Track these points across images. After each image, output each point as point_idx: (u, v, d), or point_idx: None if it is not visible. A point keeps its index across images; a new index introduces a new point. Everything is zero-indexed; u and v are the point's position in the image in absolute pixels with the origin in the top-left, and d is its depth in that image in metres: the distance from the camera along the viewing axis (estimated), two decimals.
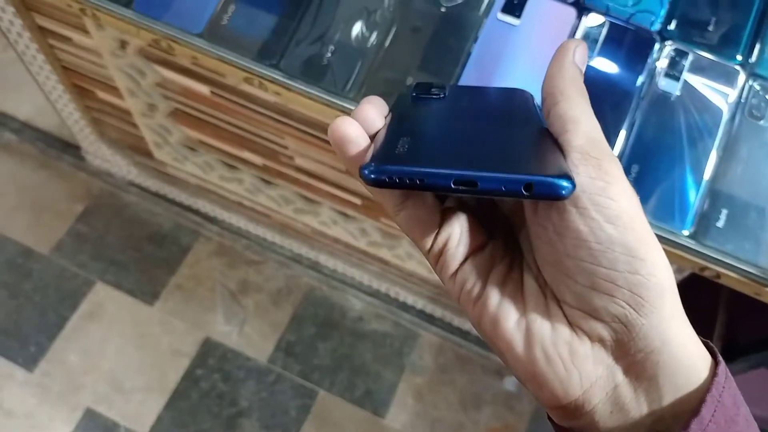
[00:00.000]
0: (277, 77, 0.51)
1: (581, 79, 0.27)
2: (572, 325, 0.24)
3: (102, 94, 0.92)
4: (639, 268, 0.23)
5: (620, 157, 0.49)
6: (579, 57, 0.27)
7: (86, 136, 1.05)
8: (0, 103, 1.27)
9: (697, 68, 0.51)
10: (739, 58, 0.51)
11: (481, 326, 0.26)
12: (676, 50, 0.51)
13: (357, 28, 0.51)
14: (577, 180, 0.23)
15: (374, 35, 0.51)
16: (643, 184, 0.48)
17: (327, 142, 0.77)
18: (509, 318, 0.25)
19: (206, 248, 1.23)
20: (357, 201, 0.87)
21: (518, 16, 0.51)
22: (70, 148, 1.21)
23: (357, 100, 0.51)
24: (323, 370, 1.16)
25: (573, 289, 0.24)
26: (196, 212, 1.18)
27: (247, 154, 0.90)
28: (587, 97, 0.26)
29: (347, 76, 0.51)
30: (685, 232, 0.48)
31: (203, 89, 0.79)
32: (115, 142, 1.06)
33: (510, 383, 1.16)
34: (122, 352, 1.13)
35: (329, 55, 0.51)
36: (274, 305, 1.20)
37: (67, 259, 1.19)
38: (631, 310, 0.23)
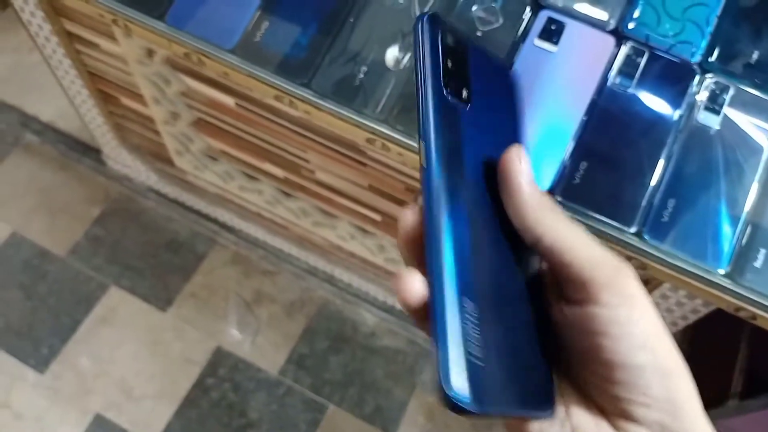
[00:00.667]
0: (307, 96, 0.51)
1: (542, 194, 0.26)
2: (615, 426, 0.26)
3: (126, 101, 0.92)
4: (669, 384, 0.25)
5: (656, 190, 0.48)
6: (527, 170, 0.26)
7: (108, 141, 1.05)
8: (24, 105, 1.28)
9: (739, 102, 0.50)
10: None
11: None
12: (716, 83, 0.50)
13: (391, 50, 0.50)
14: (601, 311, 0.24)
15: (407, 57, 0.51)
16: (679, 220, 0.47)
17: (349, 157, 0.77)
18: (553, 426, 0.26)
19: (222, 257, 1.22)
20: (377, 217, 0.87)
21: (556, 43, 0.50)
22: (90, 151, 1.21)
23: (388, 122, 0.50)
24: (334, 384, 1.15)
25: (612, 404, 0.25)
26: (214, 221, 1.17)
27: (268, 166, 0.89)
28: (559, 210, 0.26)
29: (379, 97, 0.50)
30: (721, 271, 0.47)
31: (228, 100, 0.79)
32: (137, 148, 1.06)
33: None
34: (134, 357, 1.13)
35: (362, 75, 0.50)
36: (288, 317, 1.19)
37: (82, 262, 1.19)
38: (666, 416, 0.25)
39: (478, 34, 0.51)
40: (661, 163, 0.48)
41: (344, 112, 0.50)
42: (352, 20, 0.51)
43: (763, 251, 0.46)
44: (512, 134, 0.29)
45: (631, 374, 0.24)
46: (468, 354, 0.22)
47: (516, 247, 0.26)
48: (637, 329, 0.24)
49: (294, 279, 1.20)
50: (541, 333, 0.26)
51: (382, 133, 0.50)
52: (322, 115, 0.51)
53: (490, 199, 0.26)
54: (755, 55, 0.51)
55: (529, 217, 0.26)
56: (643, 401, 0.25)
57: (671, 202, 0.47)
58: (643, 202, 0.47)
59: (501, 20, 0.51)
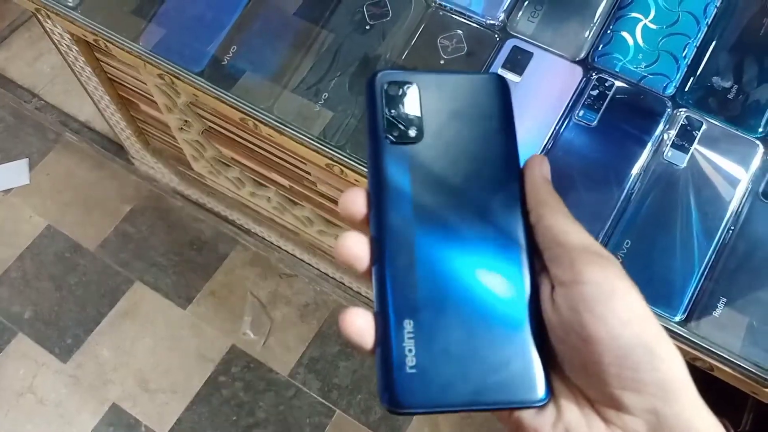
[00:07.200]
0: (270, 120, 0.51)
1: (554, 191, 0.30)
2: (606, 420, 0.26)
3: (144, 107, 0.95)
4: (659, 365, 0.25)
5: (613, 229, 0.46)
6: (545, 170, 0.31)
7: (132, 143, 1.09)
8: (64, 104, 1.34)
9: (711, 139, 0.47)
10: (760, 130, 0.47)
11: None
12: (688, 118, 0.48)
13: (353, 77, 0.51)
14: (588, 290, 0.26)
15: None
16: (634, 262, 0.45)
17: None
18: (546, 424, 0.27)
19: (242, 257, 1.25)
20: None
21: (519, 74, 0.49)
22: (122, 151, 1.26)
23: (346, 148, 0.50)
24: (342, 390, 1.16)
25: (603, 390, 0.26)
26: (232, 223, 1.20)
27: (275, 175, 0.91)
28: (562, 204, 0.30)
29: (338, 124, 0.50)
30: (677, 318, 0.44)
31: (233, 112, 0.80)
32: (159, 151, 1.09)
33: None
34: (152, 351, 1.17)
35: (321, 102, 0.50)
36: (301, 320, 1.21)
37: (110, 256, 1.25)
38: (658, 401, 0.25)
39: (441, 62, 0.50)
40: (621, 200, 0.47)
41: (304, 137, 0.51)
42: (317, 47, 0.51)
43: (723, 300, 0.44)
44: (496, 140, 0.31)
45: (619, 353, 0.25)
46: (400, 368, 0.27)
47: (501, 254, 0.29)
48: (621, 306, 0.25)
49: (309, 282, 1.22)
50: (530, 329, 0.28)
51: (340, 159, 0.50)
52: (284, 138, 0.52)
53: (475, 212, 0.29)
54: (734, 90, 0.48)
55: (541, 197, 0.29)
56: (632, 386, 0.25)
57: (627, 243, 0.45)
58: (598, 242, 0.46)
59: (466, 48, 0.50)
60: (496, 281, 0.28)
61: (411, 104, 0.30)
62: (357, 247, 0.28)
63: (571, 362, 0.27)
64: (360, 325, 0.27)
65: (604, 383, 0.25)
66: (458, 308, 0.28)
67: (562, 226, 0.28)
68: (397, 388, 0.27)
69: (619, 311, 0.25)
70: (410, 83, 0.31)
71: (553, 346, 0.27)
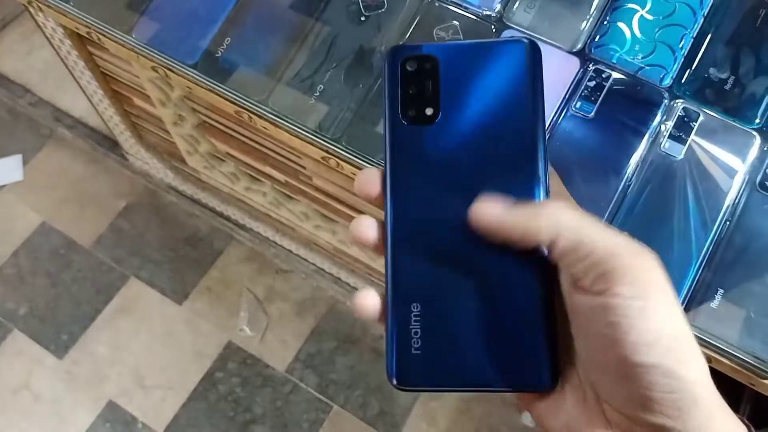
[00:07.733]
0: (264, 113, 0.51)
1: (536, 205, 0.26)
2: (611, 424, 0.25)
3: (138, 102, 0.95)
4: (677, 387, 0.23)
5: (611, 220, 0.46)
6: (500, 207, 0.27)
7: (126, 138, 1.08)
8: (58, 100, 1.33)
9: (708, 130, 0.47)
10: (757, 121, 0.47)
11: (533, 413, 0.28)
12: (685, 109, 0.47)
13: (348, 69, 0.50)
14: (616, 302, 0.24)
15: (365, 78, 0.50)
16: None
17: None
18: (549, 415, 0.27)
19: (238, 253, 1.25)
20: None
21: None
22: (116, 146, 1.25)
23: (341, 141, 0.50)
24: (339, 385, 1.15)
25: (614, 397, 0.25)
26: (228, 219, 1.20)
27: (270, 170, 0.90)
28: (562, 205, 0.25)
29: (333, 116, 0.50)
30: None
31: (228, 106, 0.80)
32: (153, 146, 1.09)
33: (528, 419, 1.12)
34: (148, 348, 1.17)
35: (317, 94, 0.50)
36: (298, 315, 1.21)
37: (105, 253, 1.24)
38: (669, 420, 0.23)
39: None
40: (618, 192, 0.46)
41: (299, 129, 0.50)
42: (311, 39, 0.51)
43: (720, 292, 0.44)
44: (521, 118, 0.28)
45: (634, 371, 0.23)
46: (407, 347, 0.28)
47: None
48: (649, 326, 0.23)
49: (306, 278, 1.21)
50: (538, 316, 0.27)
51: (336, 151, 0.50)
52: (279, 131, 0.52)
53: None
54: (730, 81, 0.48)
55: (537, 233, 0.25)
56: (645, 403, 0.23)
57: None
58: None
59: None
60: (509, 265, 0.27)
61: (430, 81, 0.29)
62: (370, 231, 0.28)
63: (588, 364, 0.26)
64: (369, 303, 0.28)
65: (614, 389, 0.25)
66: (468, 290, 0.28)
67: (581, 236, 0.25)
68: (403, 366, 0.28)
69: (645, 332, 0.23)
70: (430, 57, 0.29)
71: (570, 332, 0.26)
